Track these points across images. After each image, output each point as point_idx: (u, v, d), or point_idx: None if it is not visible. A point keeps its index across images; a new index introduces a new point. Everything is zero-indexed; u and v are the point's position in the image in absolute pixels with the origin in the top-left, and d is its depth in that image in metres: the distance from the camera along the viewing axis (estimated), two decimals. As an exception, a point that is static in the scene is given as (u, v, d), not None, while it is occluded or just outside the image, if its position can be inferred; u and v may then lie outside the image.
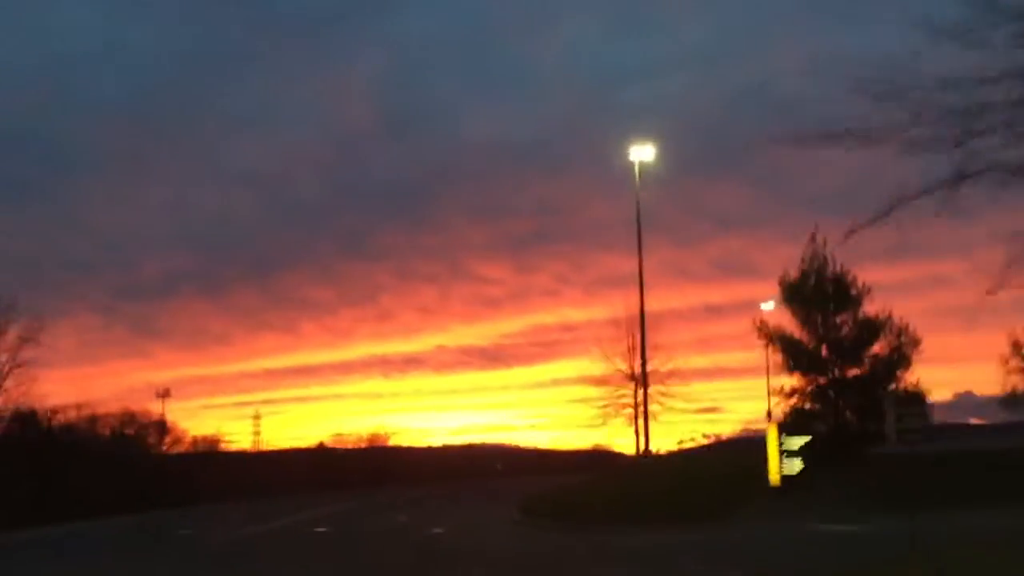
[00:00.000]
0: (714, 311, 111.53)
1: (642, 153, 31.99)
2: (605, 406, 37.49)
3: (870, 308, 29.74)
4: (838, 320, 29.83)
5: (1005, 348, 34.26)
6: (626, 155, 32.06)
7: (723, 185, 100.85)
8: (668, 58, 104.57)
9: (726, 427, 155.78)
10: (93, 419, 57.72)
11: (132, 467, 50.81)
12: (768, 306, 48.96)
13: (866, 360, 29.53)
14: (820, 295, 29.79)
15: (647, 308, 31.87)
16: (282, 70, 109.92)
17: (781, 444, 26.05)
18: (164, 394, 68.48)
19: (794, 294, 30.21)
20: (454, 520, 30.43)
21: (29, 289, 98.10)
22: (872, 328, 29.49)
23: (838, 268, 29.85)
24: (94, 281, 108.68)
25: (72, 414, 55.16)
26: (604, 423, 37.55)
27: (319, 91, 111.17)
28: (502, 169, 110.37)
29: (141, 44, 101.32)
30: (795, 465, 25.99)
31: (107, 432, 58.48)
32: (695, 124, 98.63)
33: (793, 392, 29.86)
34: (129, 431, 61.62)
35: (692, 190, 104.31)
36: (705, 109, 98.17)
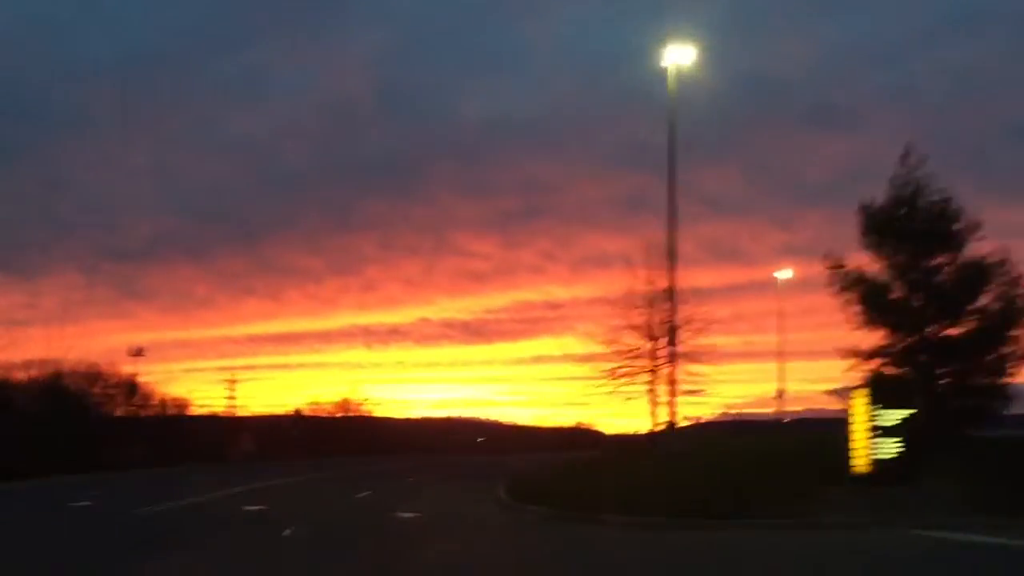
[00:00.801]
0: (701, 294, 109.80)
1: (679, 55, 27.01)
2: (617, 373, 30.62)
3: (979, 249, 23.00)
4: (935, 263, 23.02)
5: None
6: (657, 60, 27.49)
7: (717, 168, 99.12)
8: (664, 39, 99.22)
9: (707, 410, 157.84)
10: (57, 376, 51.94)
11: (65, 426, 44.07)
12: (785, 274, 43.65)
13: (970, 315, 22.72)
14: (913, 229, 22.90)
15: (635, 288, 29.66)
16: (278, 41, 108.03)
17: (872, 418, 19.18)
18: (136, 352, 62.39)
19: (880, 226, 23.20)
20: (429, 502, 23.74)
21: (14, 249, 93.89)
22: (980, 274, 22.66)
23: (939, 200, 23.03)
24: (78, 241, 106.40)
25: (34, 371, 50.58)
26: (614, 391, 30.75)
27: (314, 63, 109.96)
28: (494, 146, 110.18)
29: (135, 9, 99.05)
30: (890, 447, 19.14)
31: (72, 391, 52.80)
32: (688, 106, 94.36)
33: (875, 353, 22.98)
34: (95, 390, 55.94)
35: (685, 172, 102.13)
36: (699, 91, 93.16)
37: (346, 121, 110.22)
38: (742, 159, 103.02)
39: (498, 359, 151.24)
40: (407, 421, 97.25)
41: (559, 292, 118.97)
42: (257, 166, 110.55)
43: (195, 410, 68.81)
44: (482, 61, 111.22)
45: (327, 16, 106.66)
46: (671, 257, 26.50)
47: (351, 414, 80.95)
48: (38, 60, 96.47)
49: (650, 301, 30.60)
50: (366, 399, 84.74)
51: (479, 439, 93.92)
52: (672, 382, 27.01)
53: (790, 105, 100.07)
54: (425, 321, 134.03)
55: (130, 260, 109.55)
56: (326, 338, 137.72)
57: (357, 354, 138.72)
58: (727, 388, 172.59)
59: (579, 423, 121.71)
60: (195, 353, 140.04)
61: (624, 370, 30.47)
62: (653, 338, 30.64)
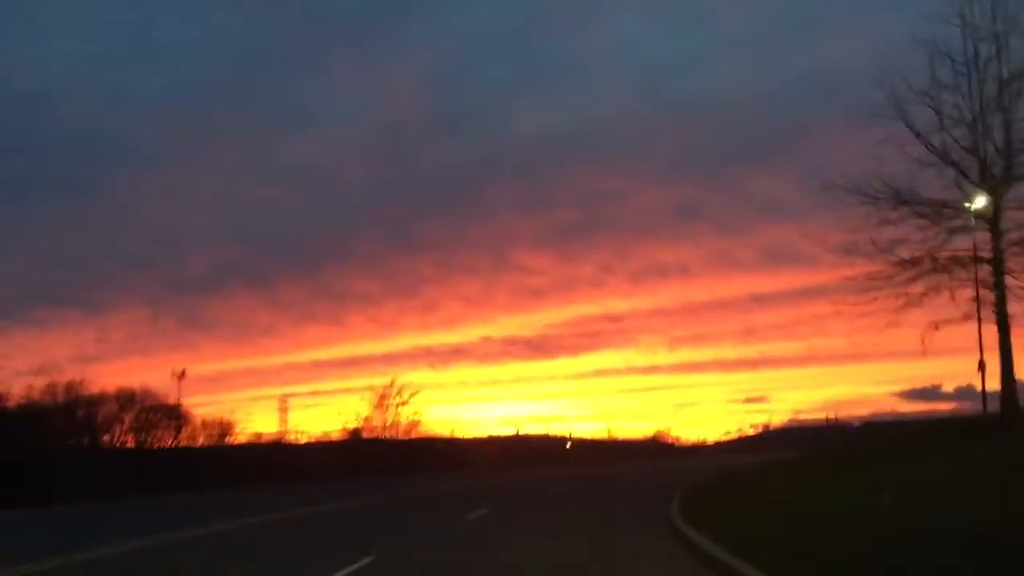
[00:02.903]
0: (760, 300, 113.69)
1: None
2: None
3: None
4: None
5: None
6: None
7: (770, 173, 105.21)
8: (714, 49, 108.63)
9: (776, 417, 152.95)
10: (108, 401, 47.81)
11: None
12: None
13: None
14: None
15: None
16: (333, 66, 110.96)
17: None
18: (180, 375, 59.49)
19: None
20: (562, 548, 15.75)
21: (83, 283, 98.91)
22: None
23: None
24: (144, 275, 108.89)
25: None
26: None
27: (369, 86, 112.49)
28: (548, 161, 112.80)
29: (193, 42, 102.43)
30: None
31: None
32: (741, 113, 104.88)
33: None
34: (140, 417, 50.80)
35: (738, 179, 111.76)
36: (751, 98, 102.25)
37: (401, 143, 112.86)
38: (796, 161, 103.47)
39: (561, 374, 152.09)
40: (476, 440, 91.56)
41: (618, 304, 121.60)
42: (315, 191, 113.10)
43: (242, 437, 63.12)
44: (534, 77, 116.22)
45: (379, 39, 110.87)
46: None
47: (415, 435, 74.41)
48: (97, 97, 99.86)
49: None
50: (442, 422, 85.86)
51: (567, 444, 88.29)
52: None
53: (843, 104, 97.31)
54: (487, 339, 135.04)
55: (193, 291, 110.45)
56: (389, 360, 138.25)
57: (421, 375, 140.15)
58: (794, 395, 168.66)
59: (659, 431, 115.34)
60: (259, 381, 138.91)
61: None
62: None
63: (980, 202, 22.62)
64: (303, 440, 70.09)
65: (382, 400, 70.76)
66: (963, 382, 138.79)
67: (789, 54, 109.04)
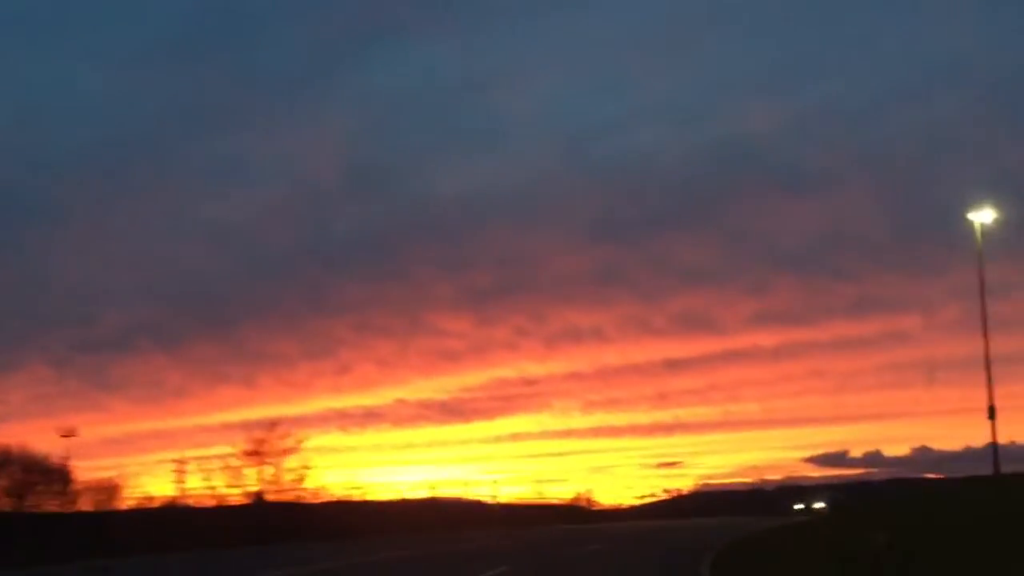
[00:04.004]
0: (674, 365, 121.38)
1: (982, 216, 35.72)
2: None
3: None
4: None
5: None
6: (962, 218, 36.27)
7: (687, 239, 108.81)
8: (634, 114, 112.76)
9: (685, 481, 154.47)
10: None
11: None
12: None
13: None
14: None
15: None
16: (255, 124, 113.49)
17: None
18: (68, 434, 54.04)
19: None
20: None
21: None
22: None
23: None
24: (52, 334, 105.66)
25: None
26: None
27: (290, 145, 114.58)
28: (468, 223, 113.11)
29: (113, 97, 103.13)
30: None
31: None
32: (660, 178, 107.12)
33: None
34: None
35: (656, 244, 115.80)
36: (670, 163, 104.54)
37: (321, 204, 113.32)
38: (714, 227, 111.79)
39: (475, 438, 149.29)
40: (388, 503, 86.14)
41: (534, 368, 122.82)
42: (232, 251, 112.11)
43: (129, 500, 57.25)
44: (456, 139, 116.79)
45: (301, 100, 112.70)
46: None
47: (324, 498, 67.93)
48: (12, 149, 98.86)
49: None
50: (356, 486, 76.42)
51: (494, 503, 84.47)
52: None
53: (763, 170, 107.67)
54: (401, 402, 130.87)
55: (103, 351, 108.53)
56: (301, 423, 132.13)
57: (333, 438, 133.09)
58: (707, 459, 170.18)
59: (579, 495, 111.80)
60: (168, 443, 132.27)
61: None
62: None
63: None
64: (200, 504, 62.84)
65: (259, 450, 60.77)
66: (870, 448, 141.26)
67: (707, 121, 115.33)
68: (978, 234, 35.64)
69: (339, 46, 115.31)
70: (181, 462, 65.75)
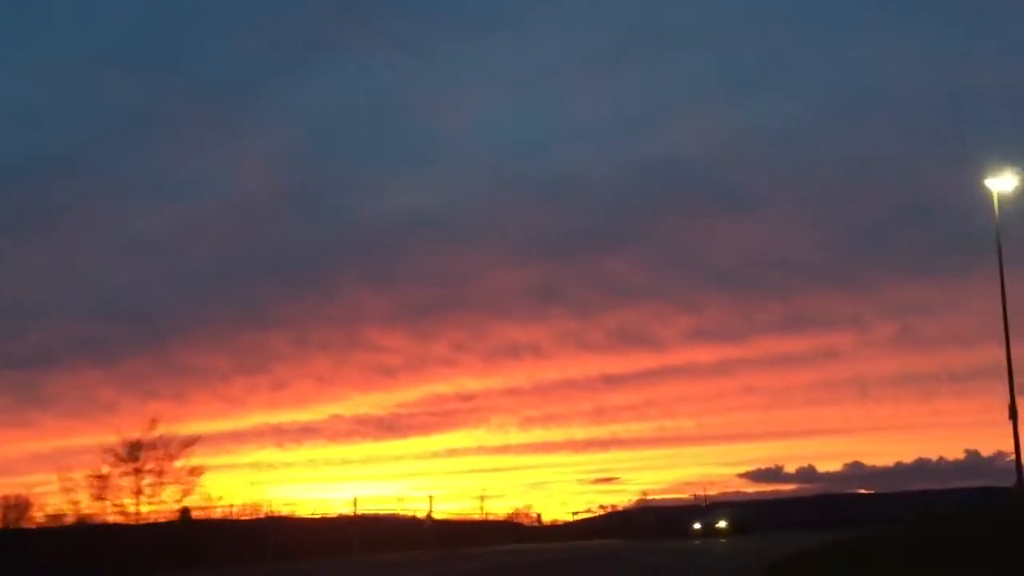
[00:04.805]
0: (611, 381, 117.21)
1: (1002, 184, 31.69)
2: None
3: None
4: None
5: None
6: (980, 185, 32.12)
7: (620, 256, 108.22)
8: (566, 133, 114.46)
9: (622, 497, 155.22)
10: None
11: None
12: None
13: None
14: None
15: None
16: (184, 139, 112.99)
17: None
18: None
19: None
20: None
21: None
22: None
23: None
24: None
25: None
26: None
27: (224, 160, 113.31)
28: (404, 239, 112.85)
29: (35, 109, 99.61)
30: None
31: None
32: (593, 196, 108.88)
33: None
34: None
35: (591, 261, 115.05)
36: (605, 181, 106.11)
37: (255, 217, 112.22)
38: (647, 245, 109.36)
39: (412, 453, 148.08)
40: (321, 519, 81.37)
41: (471, 384, 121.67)
42: (164, 267, 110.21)
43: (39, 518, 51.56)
44: (390, 155, 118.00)
45: (232, 115, 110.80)
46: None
47: (256, 516, 64.00)
48: None
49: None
50: (289, 503, 70.55)
51: (425, 523, 78.20)
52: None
53: (694, 189, 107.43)
54: (337, 418, 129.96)
55: (31, 366, 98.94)
56: (235, 438, 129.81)
57: (269, 454, 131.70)
58: (644, 475, 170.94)
59: (517, 511, 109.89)
60: (99, 459, 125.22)
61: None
62: None
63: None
64: (122, 520, 58.44)
65: (132, 458, 52.03)
66: (803, 463, 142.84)
67: (638, 140, 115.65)
68: (995, 203, 31.26)
69: (271, 62, 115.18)
70: (101, 477, 61.16)
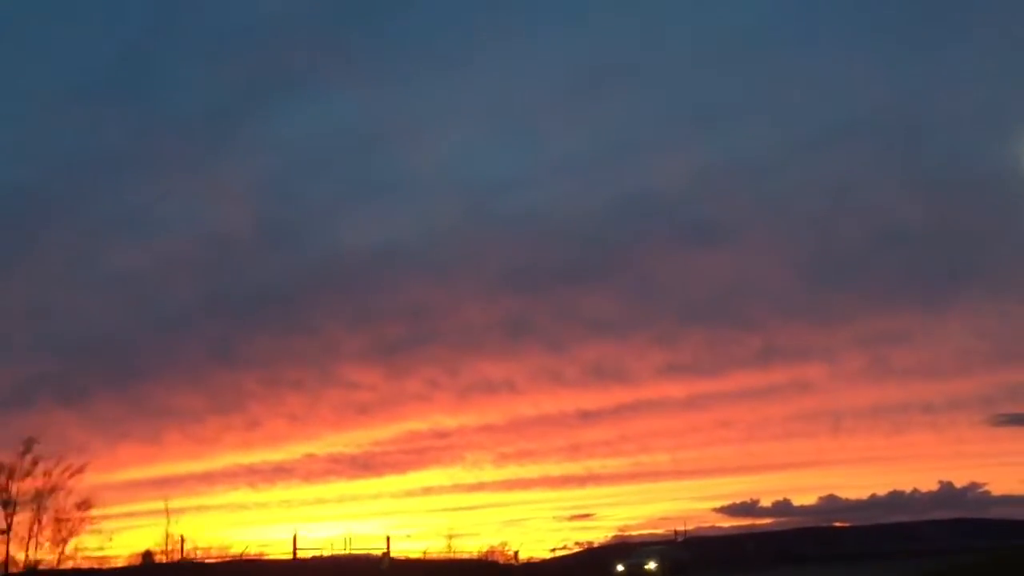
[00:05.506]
0: (586, 417, 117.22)
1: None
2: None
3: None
4: None
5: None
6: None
7: (596, 291, 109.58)
8: (542, 168, 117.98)
9: (598, 533, 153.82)
10: None
11: None
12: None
13: None
14: None
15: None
16: (158, 175, 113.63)
17: None
18: None
19: None
20: None
21: None
22: None
23: None
24: None
25: None
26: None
27: (198, 195, 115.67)
28: (378, 275, 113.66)
29: (9, 143, 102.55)
30: None
31: None
32: (569, 231, 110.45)
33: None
34: None
35: (566, 296, 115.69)
36: (578, 217, 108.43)
37: (228, 253, 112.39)
38: (622, 279, 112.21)
39: (387, 492, 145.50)
40: (296, 562, 78.81)
41: (446, 420, 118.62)
42: (136, 302, 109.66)
43: None
44: (365, 190, 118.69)
45: (207, 149, 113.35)
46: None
47: (229, 557, 62.06)
48: None
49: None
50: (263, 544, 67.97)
51: (383, 564, 73.08)
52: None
53: (668, 223, 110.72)
54: (311, 457, 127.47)
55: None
56: (208, 479, 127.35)
57: (242, 494, 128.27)
58: (619, 511, 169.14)
59: (493, 548, 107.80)
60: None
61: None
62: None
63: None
64: (83, 566, 56.22)
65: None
66: (779, 497, 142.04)
67: (613, 175, 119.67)
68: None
69: (246, 96, 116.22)
70: (65, 521, 58.73)
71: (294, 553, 59.80)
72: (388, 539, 63.03)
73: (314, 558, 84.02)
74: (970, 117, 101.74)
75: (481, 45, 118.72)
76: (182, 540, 54.92)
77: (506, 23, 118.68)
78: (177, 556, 57.87)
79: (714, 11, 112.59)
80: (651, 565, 54.22)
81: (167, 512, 51.84)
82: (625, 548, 75.76)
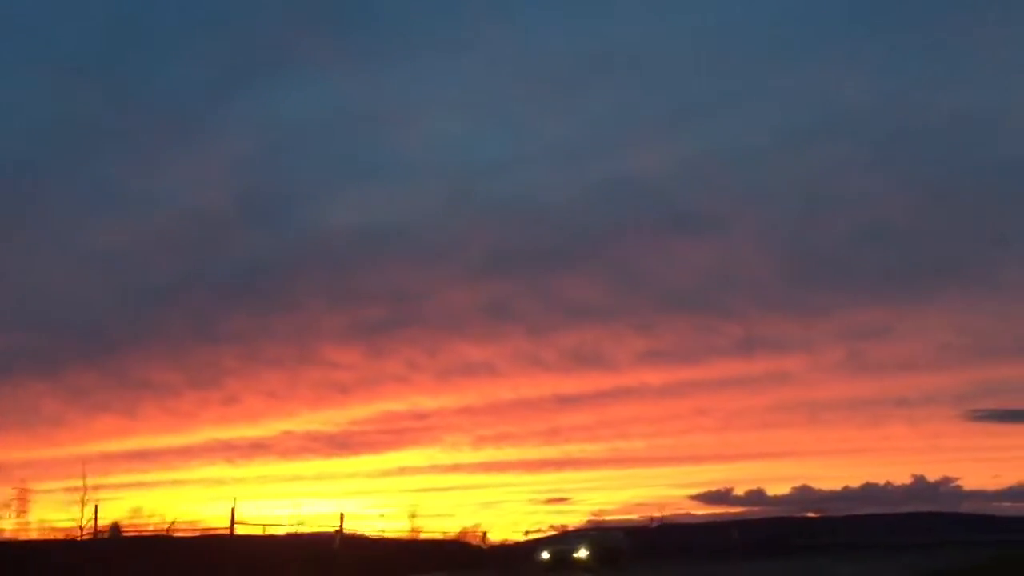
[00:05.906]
0: (564, 401, 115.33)
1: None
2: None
3: None
4: None
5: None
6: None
7: (576, 276, 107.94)
8: (526, 153, 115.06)
9: (574, 518, 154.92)
10: None
11: None
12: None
13: None
14: None
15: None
16: (140, 150, 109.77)
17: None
18: None
19: None
20: None
21: None
22: None
23: None
24: None
25: None
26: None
27: (179, 171, 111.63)
28: (360, 255, 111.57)
29: None
30: None
31: None
32: (551, 216, 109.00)
33: None
34: None
35: (547, 280, 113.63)
36: (563, 201, 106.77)
37: (210, 231, 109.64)
38: (604, 265, 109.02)
39: (363, 471, 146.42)
40: (271, 538, 77.08)
41: (425, 402, 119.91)
42: (116, 278, 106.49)
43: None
44: (349, 171, 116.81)
45: (190, 124, 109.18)
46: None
47: (200, 532, 60.51)
48: None
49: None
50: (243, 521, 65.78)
51: (335, 543, 65.40)
52: None
53: (651, 210, 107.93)
54: (288, 434, 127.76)
55: None
56: (185, 454, 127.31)
57: (219, 470, 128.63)
58: (595, 496, 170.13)
59: (464, 530, 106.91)
60: (42, 473, 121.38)
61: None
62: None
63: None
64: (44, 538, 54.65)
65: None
66: (753, 486, 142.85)
67: (596, 161, 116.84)
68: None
69: (231, 73, 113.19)
70: (24, 492, 57.22)
71: (231, 529, 55.02)
72: (341, 516, 58.88)
73: (259, 535, 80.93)
74: (952, 114, 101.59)
75: (468, 29, 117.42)
76: (95, 514, 52.56)
77: (495, 8, 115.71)
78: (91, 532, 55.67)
79: (702, 1, 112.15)
80: (581, 553, 46.51)
81: (84, 488, 49.90)
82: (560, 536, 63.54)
